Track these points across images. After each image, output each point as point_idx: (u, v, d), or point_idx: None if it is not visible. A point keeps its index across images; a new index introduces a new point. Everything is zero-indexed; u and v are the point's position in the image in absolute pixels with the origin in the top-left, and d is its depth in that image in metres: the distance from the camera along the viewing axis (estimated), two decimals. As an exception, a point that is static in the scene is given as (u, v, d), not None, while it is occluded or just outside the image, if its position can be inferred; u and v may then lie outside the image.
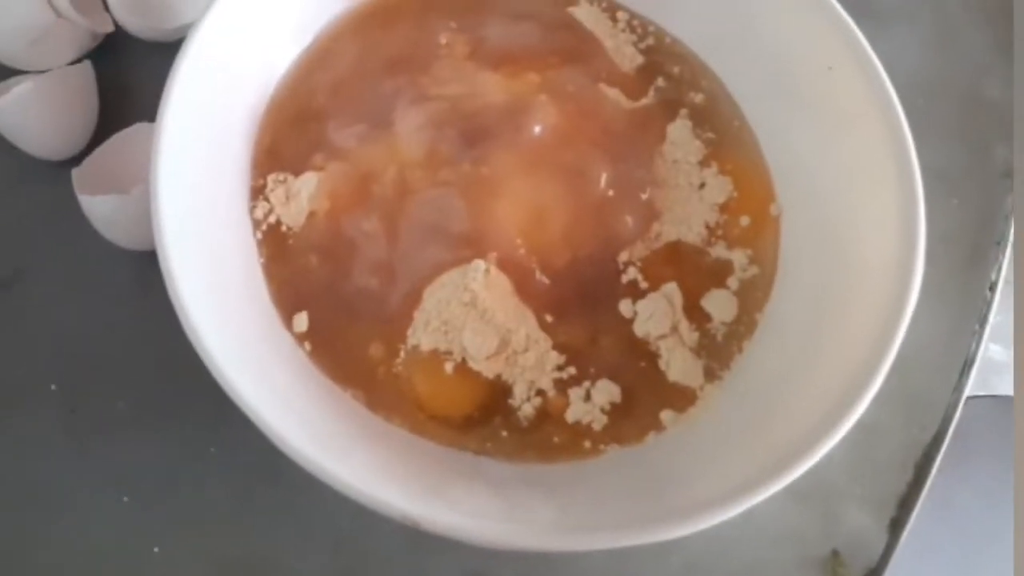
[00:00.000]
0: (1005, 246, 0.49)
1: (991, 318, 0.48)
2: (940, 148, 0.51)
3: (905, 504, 0.45)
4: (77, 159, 0.46)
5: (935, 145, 0.50)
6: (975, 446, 0.66)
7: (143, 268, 0.45)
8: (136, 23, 0.49)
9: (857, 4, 0.54)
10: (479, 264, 0.40)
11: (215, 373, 0.34)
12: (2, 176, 0.48)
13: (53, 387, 0.44)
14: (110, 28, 0.50)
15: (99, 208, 0.43)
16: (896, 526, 0.45)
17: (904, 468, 0.46)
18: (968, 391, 0.48)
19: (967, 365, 0.47)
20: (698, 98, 0.46)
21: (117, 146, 0.46)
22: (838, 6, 0.42)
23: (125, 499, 0.42)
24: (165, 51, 0.49)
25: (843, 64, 0.42)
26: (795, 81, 0.44)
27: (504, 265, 0.40)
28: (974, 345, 0.47)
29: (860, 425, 0.36)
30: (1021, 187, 0.44)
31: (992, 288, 0.48)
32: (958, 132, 0.52)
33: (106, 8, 0.50)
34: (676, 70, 0.47)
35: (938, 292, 0.46)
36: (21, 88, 0.45)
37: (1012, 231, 0.50)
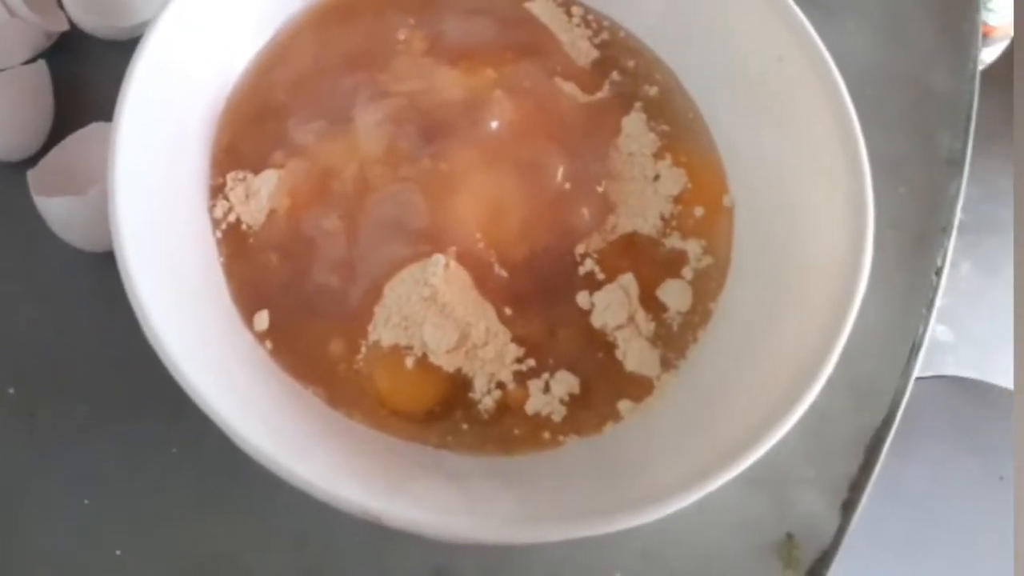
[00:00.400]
0: (950, 232, 0.51)
1: (937, 302, 0.49)
2: (888, 137, 0.52)
3: (856, 487, 0.46)
4: (33, 160, 0.46)
5: (883, 134, 0.51)
6: (922, 426, 0.68)
7: (101, 269, 0.44)
8: (91, 21, 0.49)
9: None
10: (438, 259, 0.40)
11: (174, 373, 0.34)
12: (-47, 179, 0.47)
13: (11, 391, 0.44)
14: (65, 27, 0.49)
15: (55, 210, 0.43)
16: (848, 508, 0.46)
17: (855, 451, 0.47)
18: (917, 372, 0.49)
19: (915, 348, 0.48)
20: (652, 91, 0.47)
21: (73, 146, 0.46)
22: (792, 5, 0.42)
23: (86, 501, 0.42)
24: (121, 49, 0.49)
25: (792, 55, 0.42)
26: (746, 73, 0.44)
27: (463, 259, 0.41)
28: (921, 329, 0.49)
29: (811, 410, 0.36)
30: (1021, 185, 0.45)
31: (938, 273, 0.49)
32: (905, 121, 0.53)
33: (60, 6, 0.50)
34: (631, 64, 0.47)
35: (886, 278, 0.47)
36: (-29, 88, 0.45)
37: (957, 212, 0.51)
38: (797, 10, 0.42)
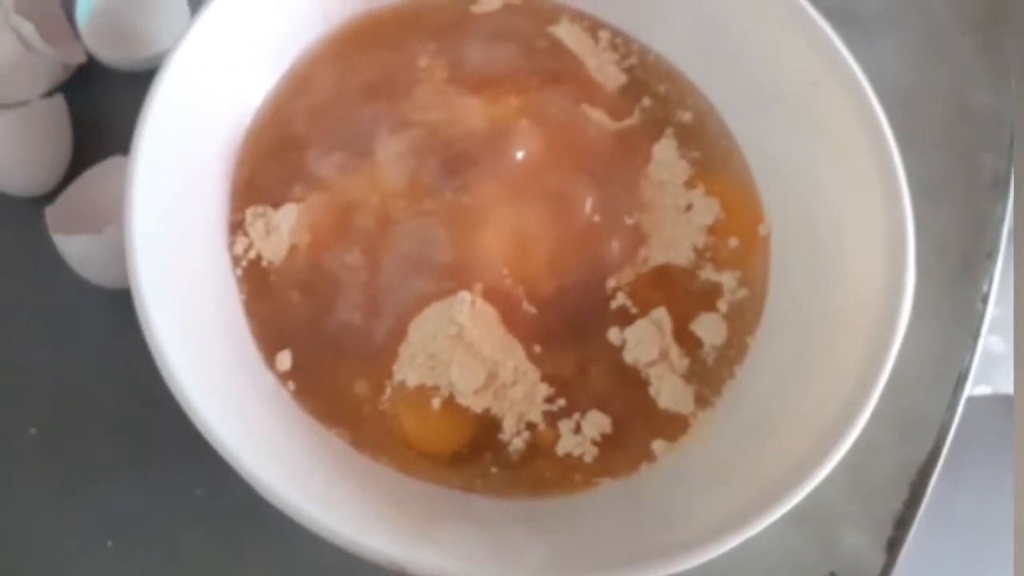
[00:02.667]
0: (996, 257, 0.49)
1: (984, 330, 0.47)
2: (928, 158, 0.50)
3: (901, 524, 0.44)
4: (51, 195, 0.45)
5: (923, 155, 0.50)
6: (974, 448, 0.65)
7: (121, 306, 0.43)
8: (108, 53, 0.48)
9: (841, 12, 0.53)
10: (464, 296, 0.39)
11: (191, 415, 0.33)
12: (-27, 215, 0.47)
13: (33, 431, 0.43)
14: (82, 59, 0.49)
15: (73, 248, 0.42)
16: (893, 546, 0.44)
17: (900, 487, 0.45)
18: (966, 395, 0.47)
19: (960, 380, 0.46)
20: (686, 116, 0.45)
21: (91, 181, 0.45)
22: (822, 21, 0.41)
23: (110, 543, 0.42)
24: (139, 80, 0.48)
25: (828, 80, 0.41)
26: (781, 98, 0.43)
27: (490, 296, 0.39)
28: (968, 359, 0.47)
29: (854, 444, 0.35)
30: (1021, 185, 0.44)
31: (984, 300, 0.48)
32: (946, 141, 0.52)
33: (77, 38, 0.49)
34: (662, 89, 0.46)
35: (930, 306, 0.45)
36: (-9, 124, 0.44)
37: (1005, 233, 0.49)
38: (832, 34, 0.41)
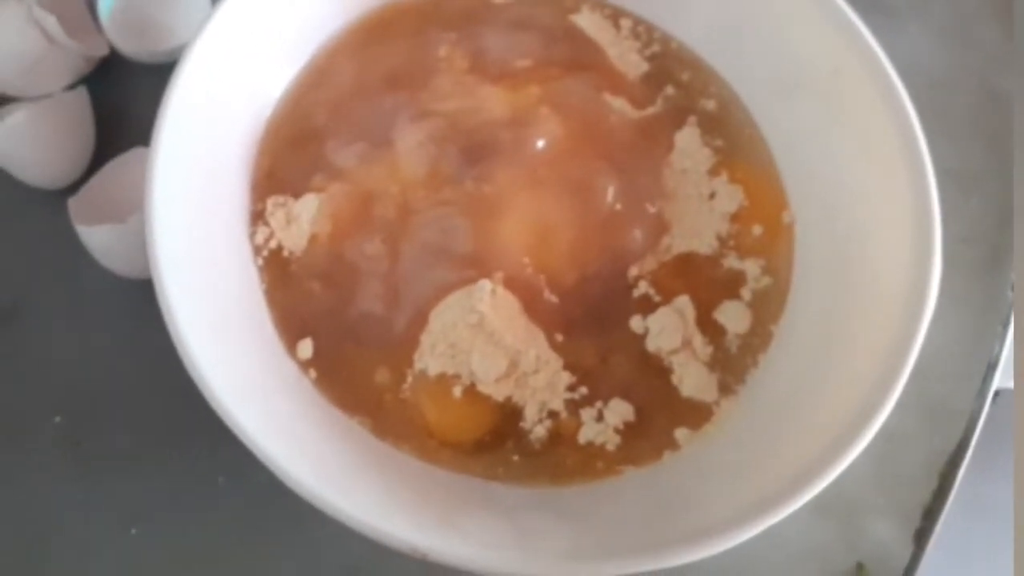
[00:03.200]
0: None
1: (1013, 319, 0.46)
2: (956, 146, 0.49)
3: (930, 514, 0.44)
4: (75, 186, 0.46)
5: (951, 143, 0.49)
6: (1005, 438, 0.64)
7: (144, 296, 0.43)
8: (130, 46, 0.49)
9: (867, -1, 0.53)
10: (485, 284, 0.39)
11: (214, 405, 0.34)
12: (-1, 207, 0.47)
13: (57, 419, 0.43)
14: (104, 51, 0.49)
15: (97, 238, 0.42)
16: (921, 536, 0.44)
17: (928, 477, 0.44)
18: (996, 386, 0.46)
19: (990, 369, 0.46)
20: (709, 105, 0.45)
21: (114, 172, 0.45)
22: (844, 6, 0.40)
23: (133, 531, 0.42)
24: (161, 72, 0.48)
25: (851, 66, 0.40)
26: (804, 85, 0.42)
27: (511, 284, 0.39)
28: (997, 348, 0.46)
29: (881, 433, 0.35)
30: (1021, 187, 0.43)
31: (1014, 289, 0.47)
32: (974, 129, 0.51)
33: (100, 31, 0.49)
34: (685, 77, 0.45)
35: (958, 295, 0.45)
36: (16, 117, 0.44)
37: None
38: (856, 19, 0.40)
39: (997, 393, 0.47)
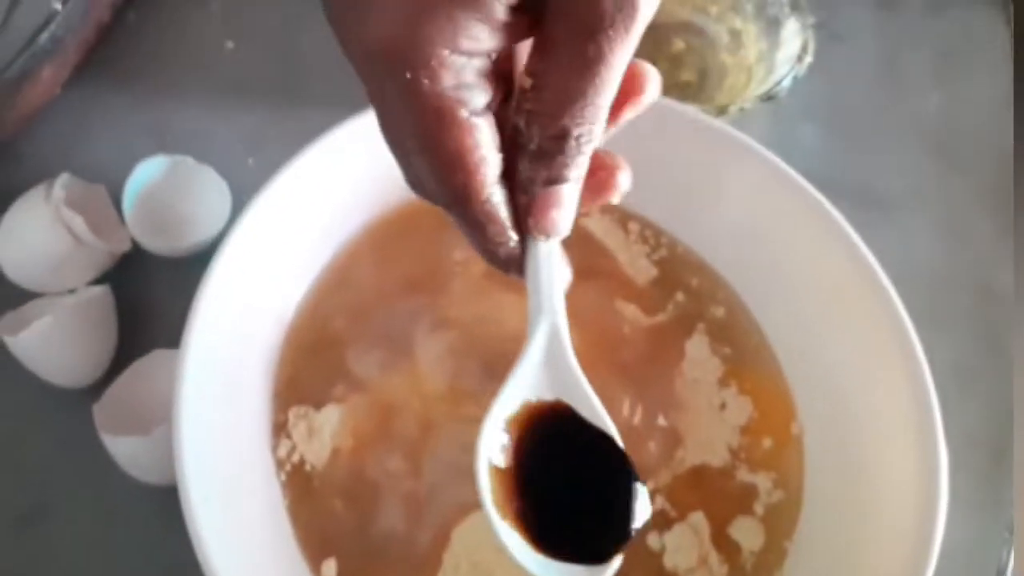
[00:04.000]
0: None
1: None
2: (957, 345, 0.51)
3: None
4: (98, 385, 0.47)
5: (951, 341, 0.51)
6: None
7: (168, 502, 0.43)
8: (152, 242, 0.50)
9: (863, 193, 0.55)
10: (506, 505, 0.39)
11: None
12: (23, 406, 0.48)
13: (80, 623, 0.44)
14: (127, 246, 0.50)
15: (122, 448, 0.43)
16: None
17: None
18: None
19: (999, 575, 0.46)
20: (719, 312, 0.46)
21: (137, 376, 0.46)
22: (845, 224, 0.42)
23: None
24: (180, 266, 0.50)
25: (854, 282, 0.42)
26: (809, 297, 0.44)
27: (531, 502, 0.40)
28: (1005, 553, 0.47)
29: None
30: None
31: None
32: (973, 327, 0.52)
33: (123, 224, 0.51)
34: (694, 282, 0.47)
35: (966, 500, 0.45)
36: (43, 321, 0.45)
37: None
38: (858, 239, 0.42)
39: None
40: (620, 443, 0.30)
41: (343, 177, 0.45)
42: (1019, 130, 0.43)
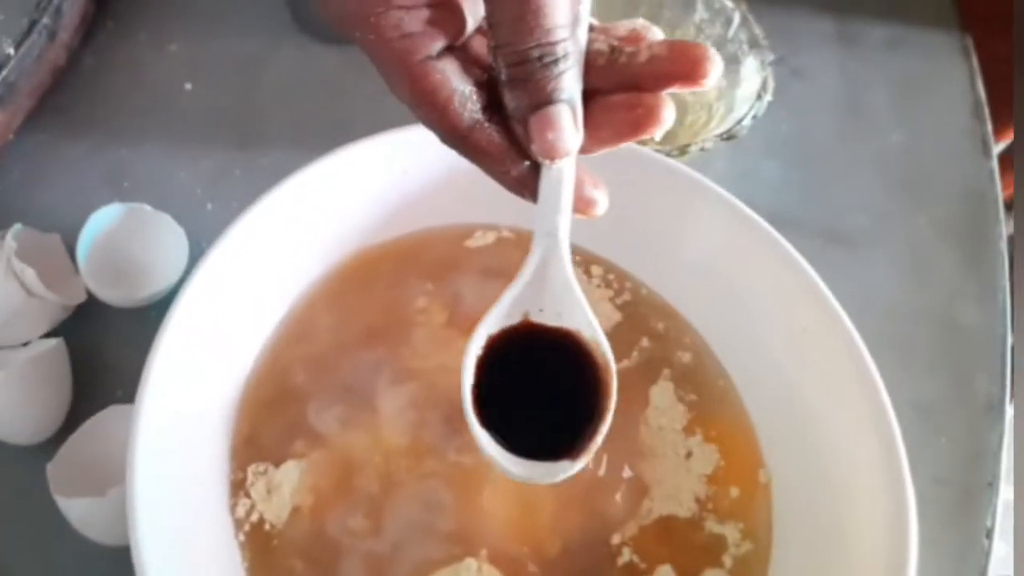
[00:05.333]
0: (997, 486, 0.49)
1: (991, 569, 0.46)
2: (922, 382, 0.51)
3: None
4: (52, 441, 0.45)
5: (917, 378, 0.51)
6: None
7: (123, 563, 0.43)
8: (107, 292, 0.49)
9: (828, 232, 0.55)
10: (470, 563, 0.39)
11: None
12: (-26, 465, 0.46)
13: None
14: (82, 298, 0.49)
15: (76, 510, 0.42)
16: None
17: None
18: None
19: (970, 618, 0.46)
20: (685, 357, 0.46)
21: (91, 433, 0.45)
22: (811, 271, 0.42)
23: None
24: (137, 317, 0.49)
25: (817, 326, 0.42)
26: (774, 340, 0.43)
27: (496, 560, 0.39)
28: (977, 596, 0.46)
29: None
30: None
31: (989, 535, 0.47)
32: (938, 363, 0.52)
33: (77, 273, 0.50)
34: (660, 327, 0.46)
35: (934, 542, 0.44)
36: (-7, 379, 0.44)
37: (1004, 463, 0.49)
38: (821, 283, 0.42)
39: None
40: (609, 355, 0.31)
41: (301, 224, 0.44)
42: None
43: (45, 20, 0.55)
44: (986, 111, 0.61)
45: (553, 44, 0.28)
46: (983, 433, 0.49)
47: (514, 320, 0.31)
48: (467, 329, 0.44)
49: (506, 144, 0.30)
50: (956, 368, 0.51)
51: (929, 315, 0.53)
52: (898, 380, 0.41)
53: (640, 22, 0.30)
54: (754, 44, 0.54)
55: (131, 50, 0.61)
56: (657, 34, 0.30)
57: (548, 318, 0.31)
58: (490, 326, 0.31)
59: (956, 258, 0.55)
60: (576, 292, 0.31)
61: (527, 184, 0.30)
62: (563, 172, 0.30)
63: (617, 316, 0.46)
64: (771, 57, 0.53)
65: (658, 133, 0.29)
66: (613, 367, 0.31)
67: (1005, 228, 0.56)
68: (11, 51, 0.54)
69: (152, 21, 0.62)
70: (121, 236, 0.51)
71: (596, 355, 0.31)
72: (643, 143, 0.54)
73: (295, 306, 0.46)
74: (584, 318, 0.31)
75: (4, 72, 0.53)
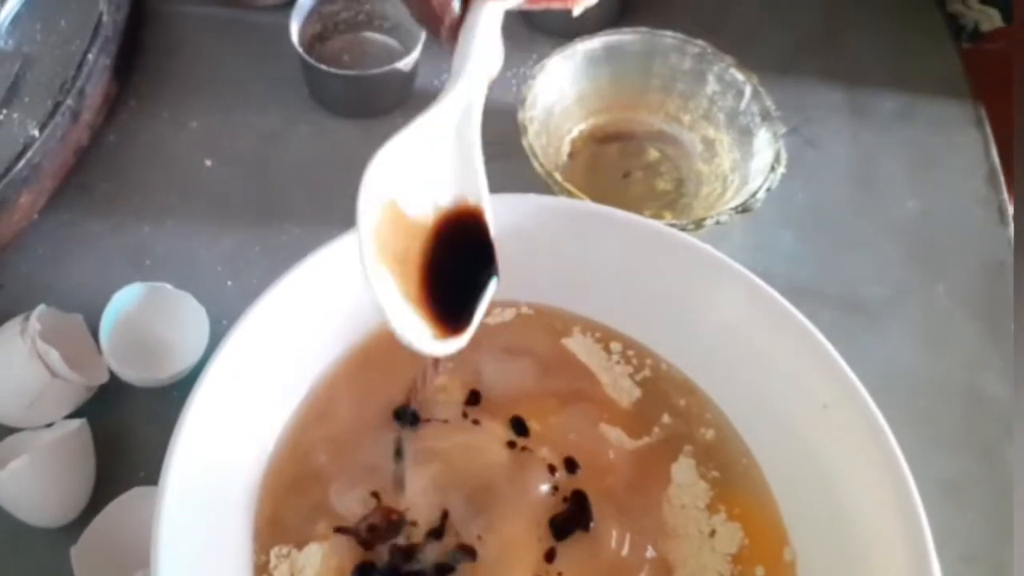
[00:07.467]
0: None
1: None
2: (948, 456, 0.50)
3: None
4: (77, 523, 0.46)
5: (942, 453, 0.50)
6: None
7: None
8: (130, 373, 0.49)
9: (845, 300, 0.55)
10: (496, 651, 0.38)
11: None
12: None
13: None
14: (105, 379, 0.50)
15: (101, 596, 0.42)
16: None
17: None
18: None
19: None
20: (708, 434, 0.46)
21: (114, 515, 0.45)
22: (831, 348, 0.42)
23: None
24: (160, 397, 0.50)
25: (838, 403, 0.41)
26: (796, 416, 0.43)
27: (522, 646, 0.39)
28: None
29: None
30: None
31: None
32: (963, 436, 0.52)
33: (100, 353, 0.50)
34: (681, 403, 0.46)
35: None
36: (20, 462, 0.44)
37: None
38: (837, 356, 0.42)
39: None
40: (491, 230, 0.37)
41: (321, 303, 0.45)
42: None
43: (69, 101, 0.57)
44: (1001, 179, 0.61)
45: None
46: (1012, 507, 0.49)
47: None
48: (490, 409, 0.45)
49: None
50: (981, 441, 0.51)
51: (951, 387, 0.53)
52: (921, 456, 0.41)
53: None
54: (766, 116, 0.55)
55: (153, 127, 0.62)
56: None
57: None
58: (390, 152, 0.34)
59: (976, 329, 0.55)
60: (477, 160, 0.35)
61: (454, 29, 0.35)
62: (491, 22, 0.34)
63: (638, 392, 0.46)
64: (783, 129, 0.54)
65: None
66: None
67: None
68: (36, 133, 0.55)
69: (173, 99, 0.64)
70: (143, 316, 0.52)
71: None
72: (658, 216, 0.55)
73: (316, 384, 0.46)
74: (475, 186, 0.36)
75: (29, 154, 0.54)
